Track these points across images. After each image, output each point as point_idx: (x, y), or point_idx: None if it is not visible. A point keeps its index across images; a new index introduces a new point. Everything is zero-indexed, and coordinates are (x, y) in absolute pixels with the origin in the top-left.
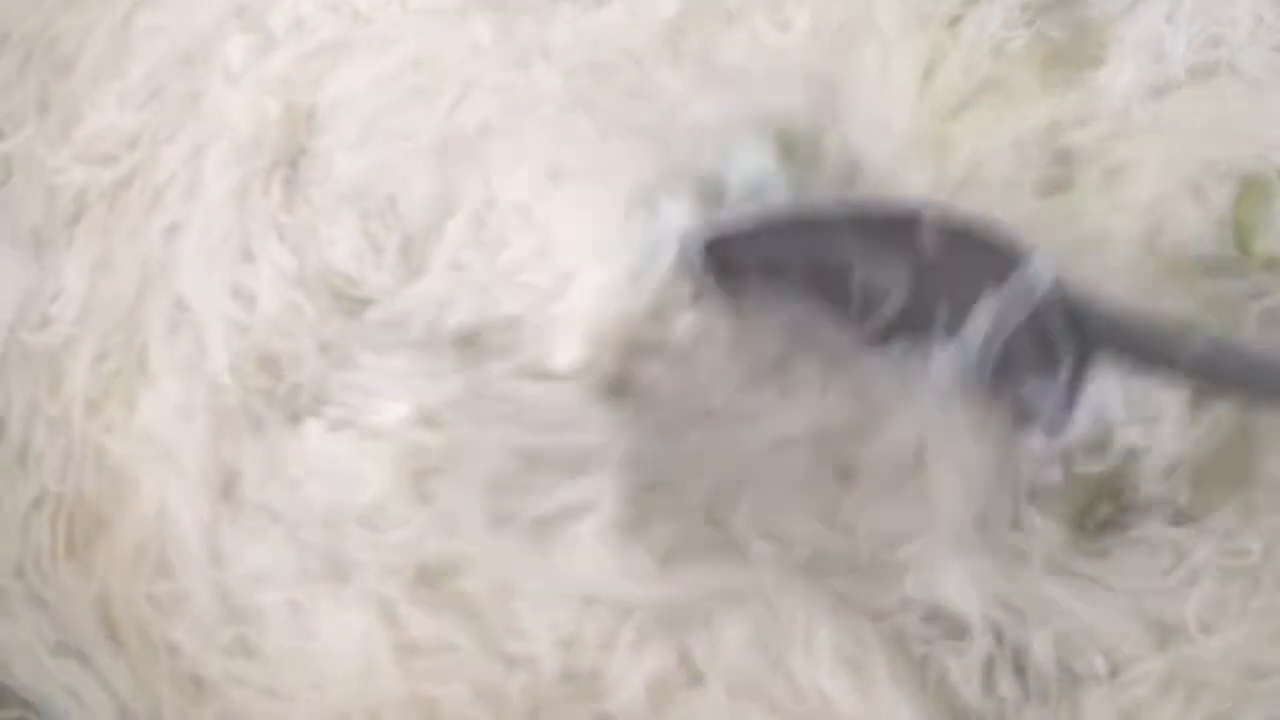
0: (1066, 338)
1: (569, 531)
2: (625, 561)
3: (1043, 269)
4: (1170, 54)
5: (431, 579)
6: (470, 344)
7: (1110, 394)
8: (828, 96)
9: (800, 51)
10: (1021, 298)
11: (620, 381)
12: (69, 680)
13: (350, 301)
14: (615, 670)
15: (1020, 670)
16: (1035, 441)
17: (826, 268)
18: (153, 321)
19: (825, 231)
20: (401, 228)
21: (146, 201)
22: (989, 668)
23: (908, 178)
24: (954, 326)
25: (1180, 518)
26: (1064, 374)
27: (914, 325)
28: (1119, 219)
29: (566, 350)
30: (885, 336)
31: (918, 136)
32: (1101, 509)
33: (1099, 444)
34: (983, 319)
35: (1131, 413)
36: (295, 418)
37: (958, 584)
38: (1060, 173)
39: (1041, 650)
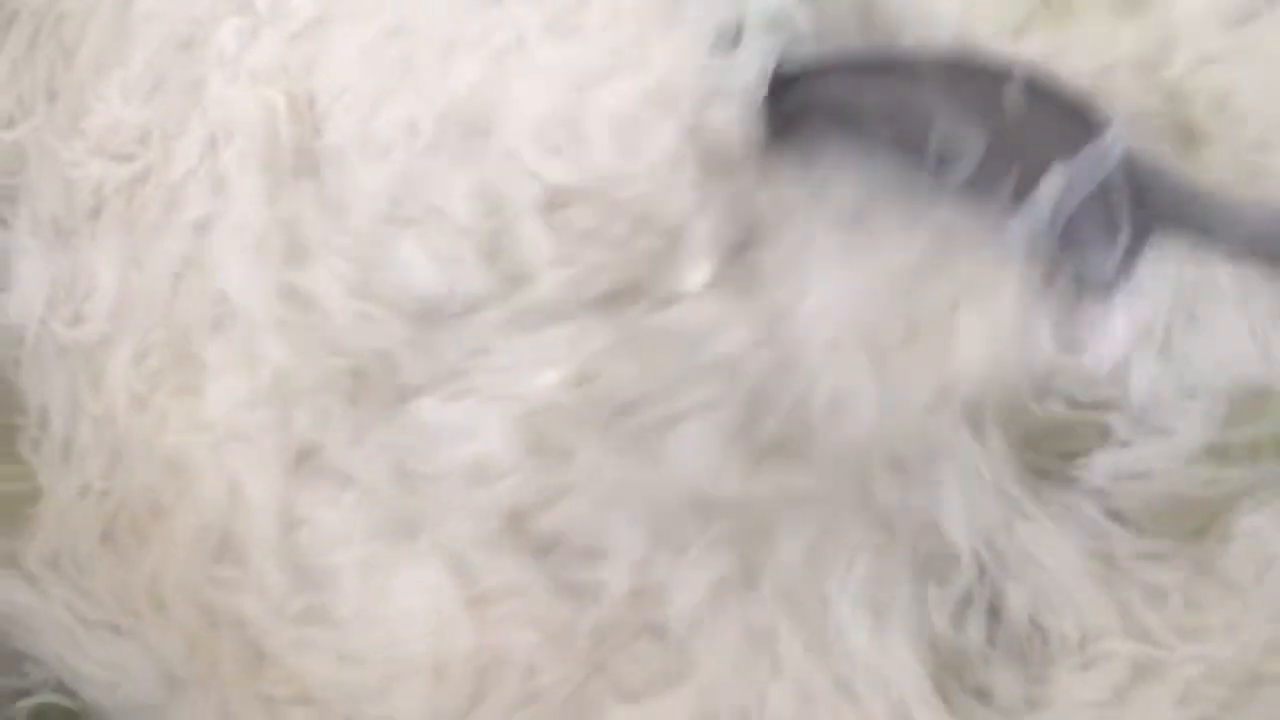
0: (1128, 208)
1: (677, 433)
2: (724, 462)
3: (1116, 140)
4: None
5: (520, 519)
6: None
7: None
8: None
9: None
10: (1093, 168)
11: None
12: (107, 653)
13: (442, 315)
14: (679, 578)
15: (995, 614)
16: (1077, 320)
17: (906, 116)
18: (194, 318)
19: (908, 78)
20: (464, 235)
21: (164, 197)
22: (964, 603)
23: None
24: (1024, 189)
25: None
26: (1121, 243)
27: (986, 183)
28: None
29: (694, 270)
30: (960, 192)
31: None
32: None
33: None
34: (1054, 186)
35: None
36: (400, 397)
37: (954, 506)
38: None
39: (1016, 600)
